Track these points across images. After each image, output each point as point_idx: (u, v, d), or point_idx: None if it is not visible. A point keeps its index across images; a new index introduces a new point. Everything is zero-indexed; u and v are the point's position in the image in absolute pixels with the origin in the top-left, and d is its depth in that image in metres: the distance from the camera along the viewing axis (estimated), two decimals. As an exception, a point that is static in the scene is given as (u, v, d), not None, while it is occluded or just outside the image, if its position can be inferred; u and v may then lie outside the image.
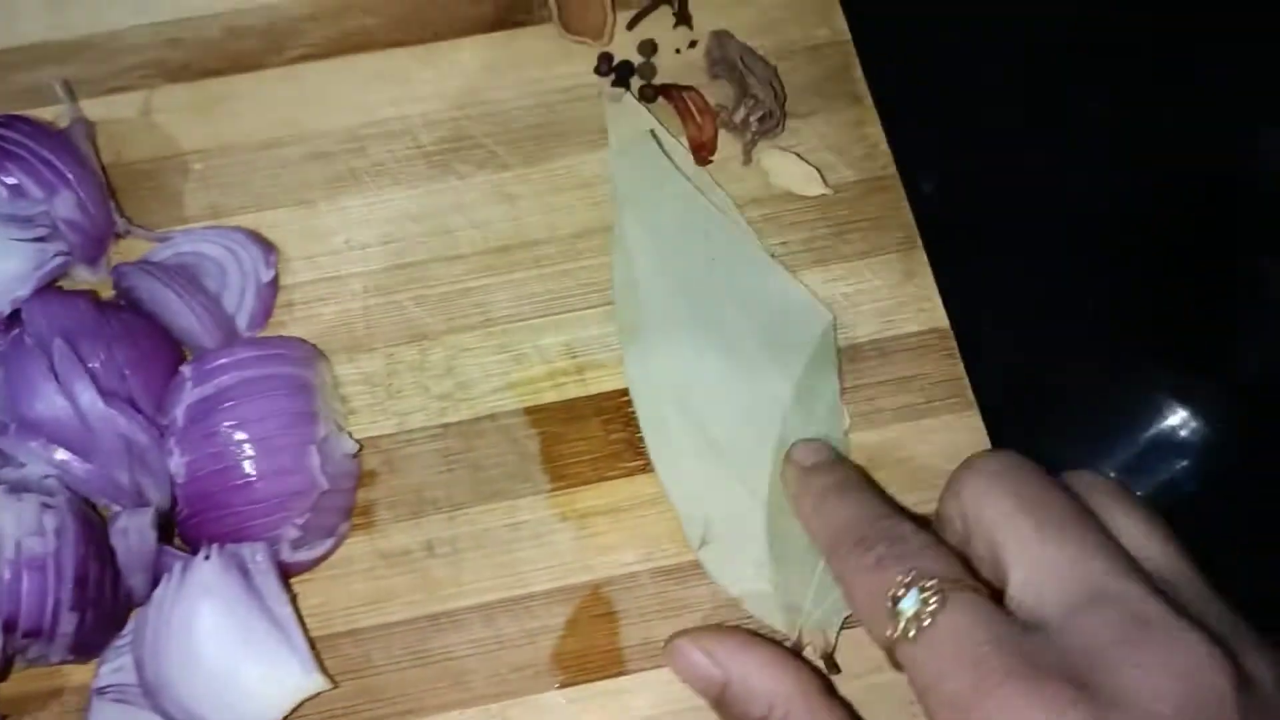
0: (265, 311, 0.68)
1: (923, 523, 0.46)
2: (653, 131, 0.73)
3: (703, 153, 0.73)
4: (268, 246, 0.70)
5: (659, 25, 0.78)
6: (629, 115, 0.75)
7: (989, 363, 0.70)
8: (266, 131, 0.75)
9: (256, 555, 0.58)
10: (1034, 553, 0.36)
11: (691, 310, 0.68)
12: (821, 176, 0.73)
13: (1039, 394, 0.74)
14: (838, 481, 0.50)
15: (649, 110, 0.75)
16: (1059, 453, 0.68)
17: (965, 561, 0.39)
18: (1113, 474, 0.67)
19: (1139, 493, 0.52)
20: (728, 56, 0.75)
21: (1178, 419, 0.74)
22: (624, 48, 0.77)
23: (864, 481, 0.52)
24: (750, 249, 0.70)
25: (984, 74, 0.81)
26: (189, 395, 0.59)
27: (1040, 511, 0.38)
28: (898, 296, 0.71)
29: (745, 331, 0.67)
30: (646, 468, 0.66)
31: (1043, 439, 0.71)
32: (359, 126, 0.75)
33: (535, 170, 0.74)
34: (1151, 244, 0.80)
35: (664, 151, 0.72)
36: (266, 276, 0.69)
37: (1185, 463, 0.74)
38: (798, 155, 0.73)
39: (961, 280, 0.72)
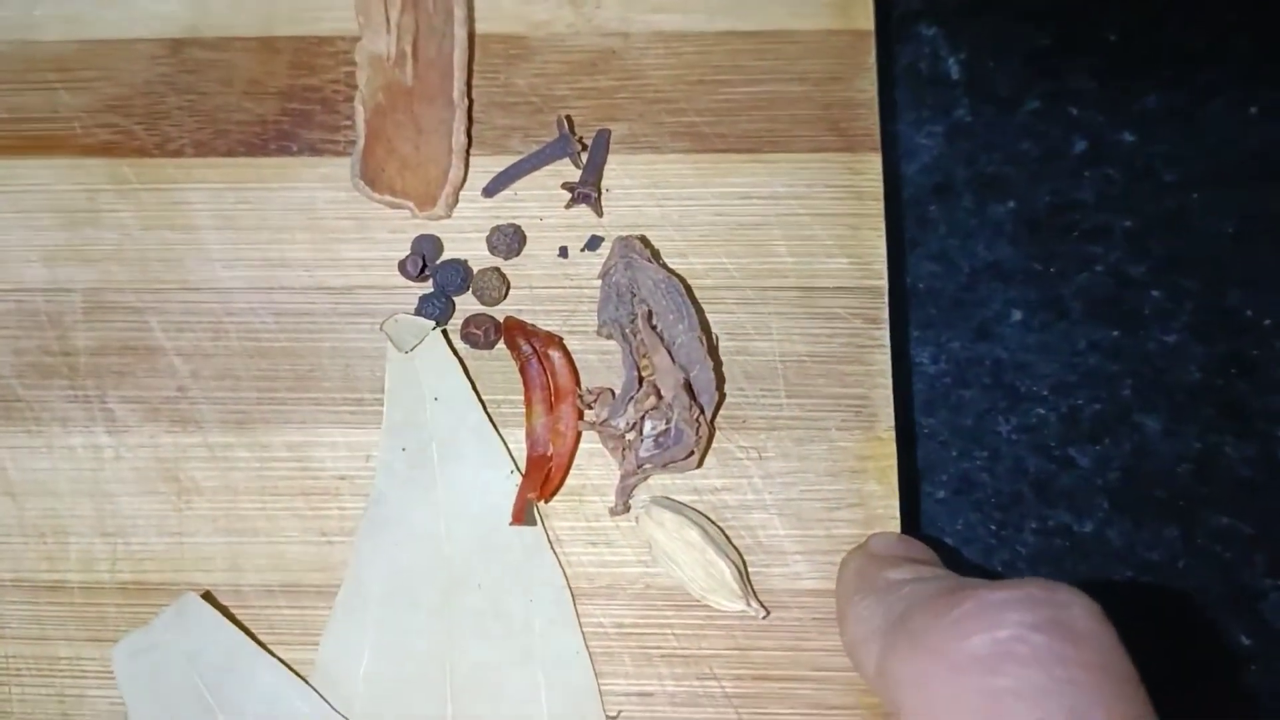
0: None
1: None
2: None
3: (535, 481, 0.38)
4: None
5: (544, 195, 0.42)
6: (425, 374, 0.40)
7: None
8: None
9: None
10: None
11: None
12: (746, 580, 0.37)
13: None
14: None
15: (467, 369, 0.40)
16: None
17: None
18: None
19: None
20: (633, 294, 0.39)
21: None
22: (465, 233, 0.42)
23: None
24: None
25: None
26: None
27: None
28: None
29: None
30: None
31: None
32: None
33: (238, 440, 0.40)
34: None
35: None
36: None
37: None
38: (709, 531, 0.37)
39: None
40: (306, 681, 0.37)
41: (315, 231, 0.43)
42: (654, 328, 0.39)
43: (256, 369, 0.41)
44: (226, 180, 0.44)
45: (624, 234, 0.41)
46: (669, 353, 0.38)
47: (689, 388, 0.38)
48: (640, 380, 0.39)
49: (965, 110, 0.48)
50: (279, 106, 0.45)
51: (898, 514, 0.39)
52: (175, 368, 0.41)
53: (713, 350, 0.40)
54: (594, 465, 0.40)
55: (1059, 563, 0.42)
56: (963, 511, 0.43)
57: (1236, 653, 0.41)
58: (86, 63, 0.46)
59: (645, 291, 0.39)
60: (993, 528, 0.43)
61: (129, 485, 0.40)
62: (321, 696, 0.37)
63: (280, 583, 0.39)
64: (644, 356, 0.39)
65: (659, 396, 0.38)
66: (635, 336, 0.39)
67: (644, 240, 0.41)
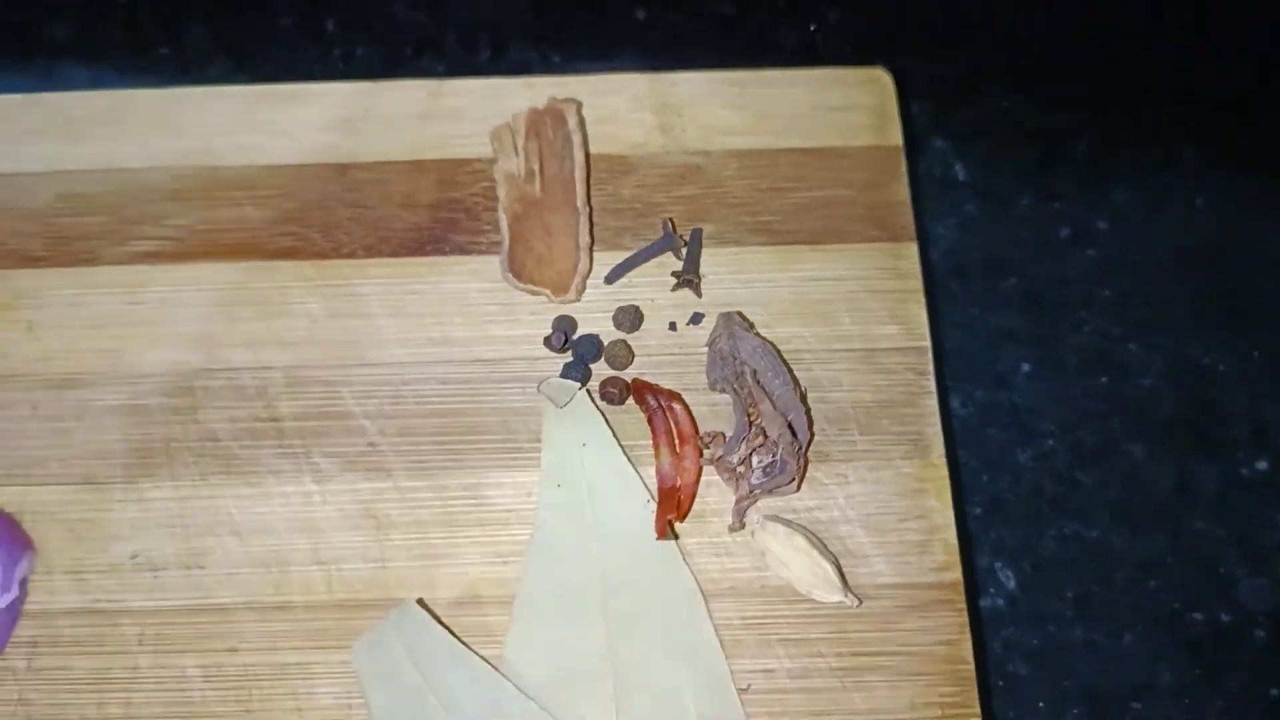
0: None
1: None
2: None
3: (669, 507, 0.48)
4: (21, 545, 0.47)
5: (652, 280, 0.53)
6: (574, 425, 0.50)
7: None
8: (67, 359, 0.52)
9: None
10: None
11: None
12: (842, 577, 0.47)
13: None
14: None
15: (607, 420, 0.50)
16: None
17: None
18: None
19: None
20: (736, 357, 0.50)
21: None
22: (592, 313, 0.53)
23: None
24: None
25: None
26: None
27: None
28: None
29: None
30: None
31: None
32: (195, 371, 0.51)
33: (422, 484, 0.49)
34: None
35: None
36: (5, 599, 0.46)
37: None
38: (812, 539, 0.48)
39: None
40: (500, 672, 0.46)
41: (469, 316, 0.53)
42: (759, 383, 0.50)
43: (432, 426, 0.51)
44: (393, 276, 0.54)
45: (724, 310, 0.52)
46: (771, 402, 0.49)
47: (791, 428, 0.49)
48: (750, 424, 0.49)
49: (974, 207, 0.60)
50: (430, 216, 0.55)
51: (952, 521, 0.49)
52: (365, 428, 0.51)
53: (803, 398, 0.50)
54: (711, 494, 0.50)
55: (1076, 563, 0.53)
56: (995, 525, 0.54)
57: (1218, 627, 0.52)
58: (267, 184, 0.56)
59: (745, 355, 0.50)
60: (1021, 537, 0.54)
61: (336, 523, 0.49)
62: (515, 685, 0.46)
63: (466, 596, 0.48)
64: (752, 405, 0.49)
65: (766, 436, 0.49)
66: (743, 390, 0.50)
67: (741, 315, 0.52)
